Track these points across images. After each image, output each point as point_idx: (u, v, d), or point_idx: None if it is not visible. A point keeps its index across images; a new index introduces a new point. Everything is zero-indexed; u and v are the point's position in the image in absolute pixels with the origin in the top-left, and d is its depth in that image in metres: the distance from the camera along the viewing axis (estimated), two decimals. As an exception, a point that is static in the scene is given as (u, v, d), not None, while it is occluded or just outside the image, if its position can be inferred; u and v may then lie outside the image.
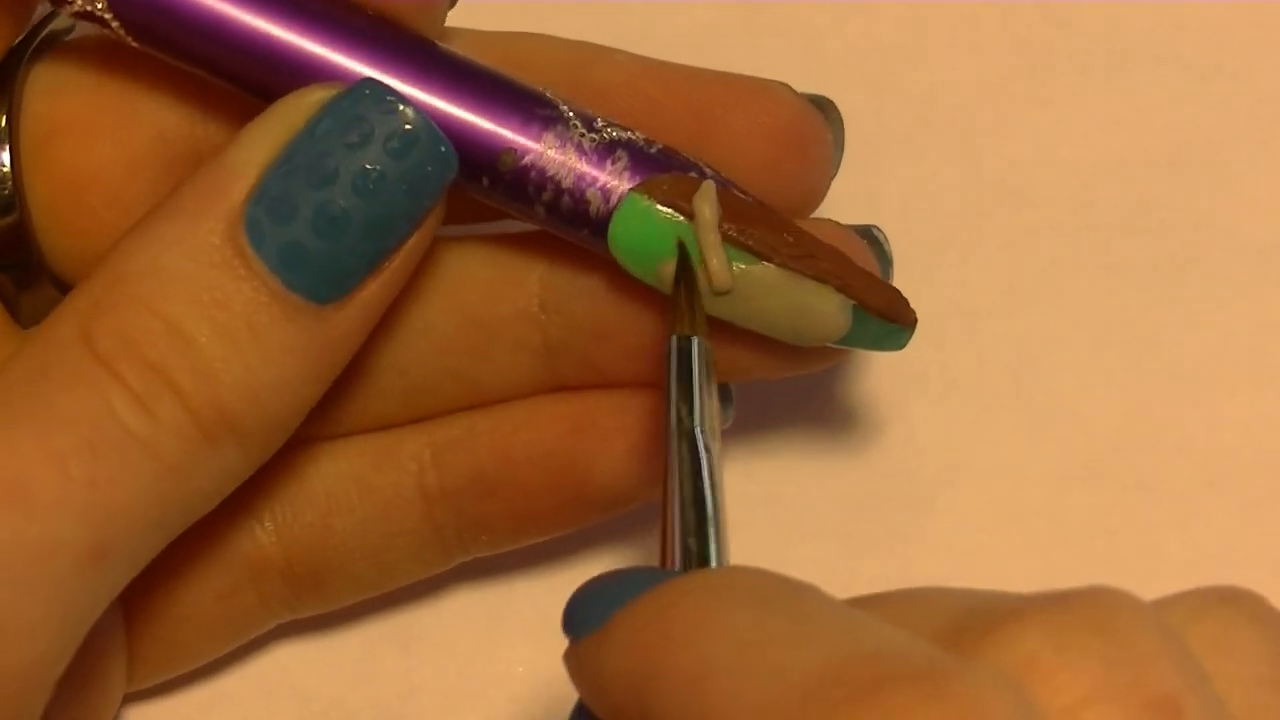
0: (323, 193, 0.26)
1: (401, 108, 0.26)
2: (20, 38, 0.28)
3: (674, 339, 0.26)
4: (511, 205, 0.28)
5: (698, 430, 0.25)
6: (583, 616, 0.22)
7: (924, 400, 0.35)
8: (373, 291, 0.27)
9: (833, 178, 0.30)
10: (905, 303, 0.28)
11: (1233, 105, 0.38)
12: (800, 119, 0.29)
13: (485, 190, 0.28)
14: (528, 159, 0.27)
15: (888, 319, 0.28)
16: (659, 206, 0.27)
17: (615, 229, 0.27)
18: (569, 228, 0.28)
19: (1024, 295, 0.36)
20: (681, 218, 0.27)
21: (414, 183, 0.26)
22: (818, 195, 0.30)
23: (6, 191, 0.28)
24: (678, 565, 0.24)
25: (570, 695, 0.33)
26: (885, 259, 0.30)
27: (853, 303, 0.28)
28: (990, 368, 0.36)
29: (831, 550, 0.34)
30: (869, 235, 0.30)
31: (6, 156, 0.28)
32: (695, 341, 0.26)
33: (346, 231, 0.26)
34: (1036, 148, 0.37)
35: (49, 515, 0.24)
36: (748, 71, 0.38)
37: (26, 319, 0.29)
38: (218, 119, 0.29)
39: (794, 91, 0.29)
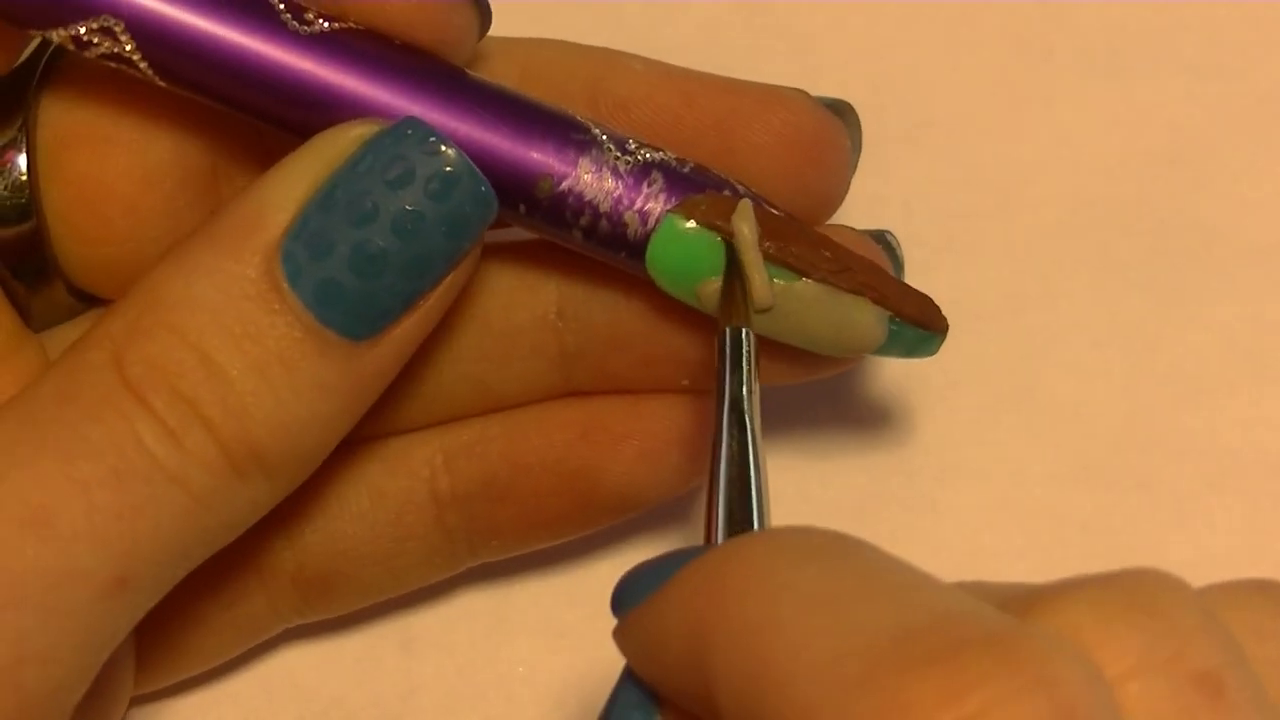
0: (361, 231, 0.25)
1: (444, 149, 0.26)
2: (26, 54, 0.28)
3: (727, 330, 0.27)
4: (548, 230, 0.28)
5: (748, 412, 0.25)
6: (632, 594, 0.23)
7: (924, 400, 0.35)
8: (407, 329, 0.26)
9: (850, 180, 0.30)
10: (937, 309, 0.29)
11: (1233, 105, 0.38)
12: (820, 127, 0.29)
13: (522, 216, 0.27)
14: (565, 184, 0.27)
15: (923, 327, 0.28)
16: (697, 227, 0.27)
17: (653, 251, 0.27)
18: (606, 251, 0.28)
19: (1025, 296, 0.36)
20: (720, 238, 0.27)
21: (453, 224, 0.26)
22: (836, 201, 0.30)
23: (24, 200, 0.28)
24: (723, 540, 0.24)
25: (570, 694, 0.33)
26: (897, 263, 0.30)
27: (889, 313, 0.28)
28: (990, 368, 0.36)
29: (832, 550, 0.34)
30: (882, 240, 0.30)
31: (23, 162, 0.28)
32: (746, 333, 0.27)
33: (384, 271, 0.26)
34: (1036, 148, 0.37)
35: (71, 544, 0.24)
36: (748, 72, 0.38)
37: (38, 323, 0.29)
38: (236, 133, 0.29)
39: (811, 99, 0.29)
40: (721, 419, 0.25)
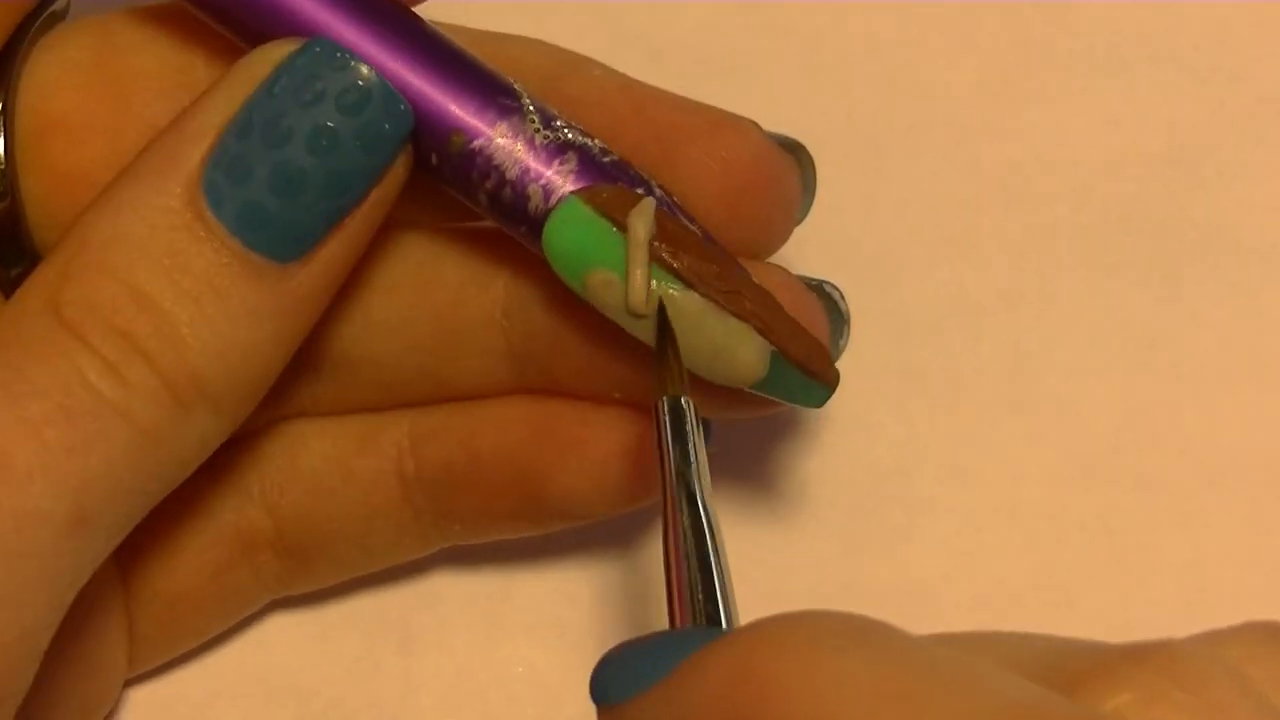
0: (278, 152, 0.26)
1: (353, 64, 0.26)
2: (17, 25, 0.28)
3: (664, 401, 0.26)
4: (457, 189, 0.28)
5: (699, 491, 0.25)
6: (623, 680, 0.22)
7: (924, 400, 0.35)
8: (334, 250, 0.27)
9: (799, 222, 0.30)
10: (829, 360, 0.28)
11: (1233, 105, 0.38)
12: (761, 158, 0.28)
13: (433, 169, 0.28)
14: (476, 143, 0.27)
15: (807, 372, 0.28)
16: (595, 214, 0.27)
17: (549, 229, 0.27)
18: (509, 222, 0.28)
19: (1023, 295, 0.36)
20: (615, 230, 0.27)
21: (369, 139, 0.26)
22: (776, 238, 0.29)
23: (2, 184, 0.28)
24: (690, 625, 0.23)
25: (570, 694, 0.33)
26: (838, 315, 0.30)
27: (772, 348, 0.27)
28: (990, 368, 0.36)
29: (831, 550, 0.34)
30: (820, 290, 0.29)
31: (0, 144, 0.28)
32: (685, 402, 0.26)
33: (303, 190, 0.26)
34: (1036, 148, 0.37)
35: (28, 484, 0.24)
36: (748, 72, 0.38)
37: None
38: None
39: (761, 130, 0.29)
40: (667, 494, 0.25)
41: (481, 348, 0.30)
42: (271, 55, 0.26)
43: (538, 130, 0.27)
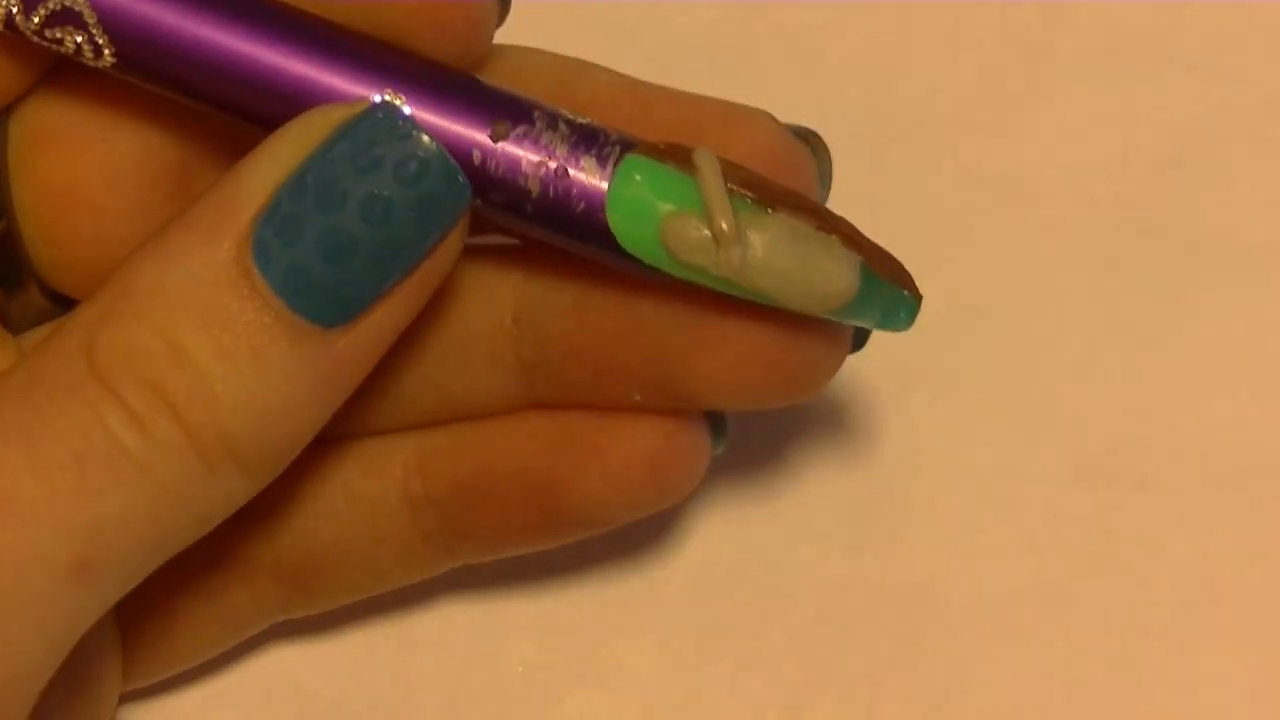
0: (330, 217, 0.25)
1: (414, 133, 0.25)
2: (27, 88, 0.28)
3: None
4: (504, 183, 0.27)
5: None
6: None
7: (924, 400, 0.35)
8: (381, 318, 0.26)
9: None
10: (908, 274, 0.27)
11: (1233, 105, 0.38)
12: (779, 149, 0.28)
13: (477, 168, 0.26)
14: (520, 129, 0.26)
15: (896, 283, 0.27)
16: (659, 163, 0.26)
17: (614, 192, 0.26)
18: (560, 206, 0.27)
19: (1023, 295, 0.36)
20: (682, 173, 0.26)
21: (424, 211, 0.25)
22: None
23: None
24: None
25: (570, 694, 0.33)
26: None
27: (861, 259, 0.26)
28: (990, 368, 0.36)
29: (831, 550, 0.34)
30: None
31: None
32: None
33: (353, 258, 0.25)
34: (1036, 148, 0.37)
35: (30, 527, 0.24)
36: (748, 72, 0.38)
37: (14, 326, 0.29)
38: (205, 129, 0.29)
39: (775, 121, 0.28)
40: None
41: (489, 358, 0.30)
42: (331, 116, 0.25)
43: (569, 120, 0.27)
